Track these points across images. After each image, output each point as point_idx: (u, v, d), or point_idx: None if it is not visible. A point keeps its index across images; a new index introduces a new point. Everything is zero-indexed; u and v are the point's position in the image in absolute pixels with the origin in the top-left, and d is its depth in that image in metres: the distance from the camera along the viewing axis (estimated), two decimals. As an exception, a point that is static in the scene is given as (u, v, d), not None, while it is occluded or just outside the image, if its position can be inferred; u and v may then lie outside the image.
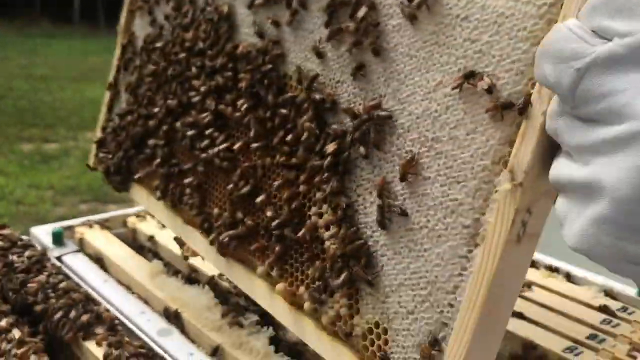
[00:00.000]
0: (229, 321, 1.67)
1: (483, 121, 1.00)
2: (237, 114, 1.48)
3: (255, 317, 1.71)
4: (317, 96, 1.26)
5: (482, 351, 1.00)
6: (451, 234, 1.03)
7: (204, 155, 1.56)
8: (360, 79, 1.21)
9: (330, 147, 1.22)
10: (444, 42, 1.07)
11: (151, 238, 2.25)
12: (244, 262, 1.48)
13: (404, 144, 1.12)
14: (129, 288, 1.94)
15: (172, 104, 1.68)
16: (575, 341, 1.66)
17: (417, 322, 1.07)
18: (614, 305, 1.86)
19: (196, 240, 1.63)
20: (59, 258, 2.04)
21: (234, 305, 1.82)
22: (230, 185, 1.48)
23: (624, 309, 1.85)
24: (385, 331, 1.12)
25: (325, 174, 1.24)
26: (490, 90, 0.97)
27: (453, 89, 1.03)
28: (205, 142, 1.56)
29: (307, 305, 1.27)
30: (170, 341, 1.63)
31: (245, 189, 1.43)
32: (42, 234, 2.17)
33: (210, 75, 1.56)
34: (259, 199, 1.40)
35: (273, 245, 1.35)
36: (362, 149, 1.17)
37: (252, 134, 1.42)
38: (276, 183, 1.36)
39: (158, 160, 1.73)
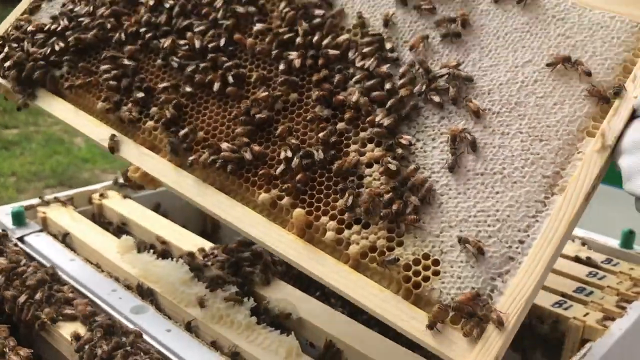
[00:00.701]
0: (206, 294, 1.54)
1: (572, 96, 1.18)
2: (261, 46, 1.42)
3: (234, 289, 1.58)
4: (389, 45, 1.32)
5: (542, 283, 1.08)
6: (529, 182, 1.14)
7: (197, 76, 1.43)
8: (438, 45, 1.31)
9: (404, 91, 1.26)
10: (536, 32, 1.26)
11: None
12: (226, 191, 1.33)
13: (483, 102, 1.23)
14: (98, 267, 1.73)
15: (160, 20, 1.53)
16: (563, 295, 1.66)
17: (481, 255, 1.11)
18: (597, 257, 1.88)
19: (159, 165, 1.41)
20: (20, 239, 1.82)
21: (211, 278, 1.63)
22: (235, 111, 1.37)
23: (608, 261, 1.86)
24: (437, 262, 1.13)
25: (382, 115, 1.26)
26: (589, 73, 1.17)
27: (548, 65, 1.21)
28: (204, 64, 1.44)
29: (330, 235, 1.20)
30: (145, 319, 1.48)
31: (259, 117, 1.34)
32: (1, 214, 1.92)
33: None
34: (279, 129, 1.32)
35: (292, 174, 1.27)
36: (436, 98, 1.25)
37: (282, 67, 1.38)
38: (303, 117, 1.32)
39: (113, 73, 1.50)
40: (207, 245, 1.86)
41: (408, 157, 1.23)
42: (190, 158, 1.35)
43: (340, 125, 1.30)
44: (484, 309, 1.05)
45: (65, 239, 1.87)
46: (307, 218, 1.23)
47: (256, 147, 1.32)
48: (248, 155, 1.30)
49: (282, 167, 1.28)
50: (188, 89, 1.44)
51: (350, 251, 1.18)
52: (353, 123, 1.29)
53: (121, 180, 2.13)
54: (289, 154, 1.28)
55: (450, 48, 1.31)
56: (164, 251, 1.87)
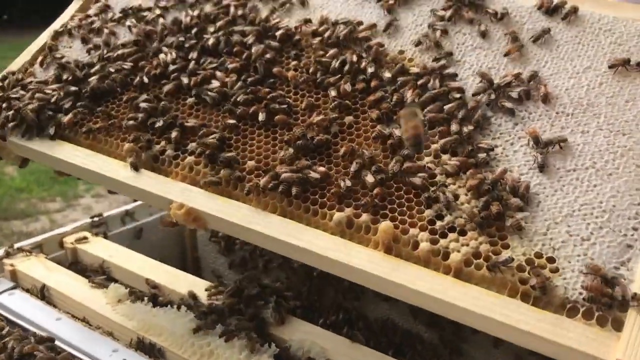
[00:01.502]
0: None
1: (642, 94, 1.20)
2: (305, 76, 1.38)
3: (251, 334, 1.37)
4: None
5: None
6: (624, 172, 1.12)
7: (239, 108, 1.35)
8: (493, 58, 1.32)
9: (472, 103, 1.24)
10: (588, 42, 1.30)
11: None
12: (289, 217, 1.20)
13: (554, 107, 1.22)
14: (86, 322, 1.49)
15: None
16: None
17: (597, 246, 1.04)
18: None
19: (206, 200, 1.26)
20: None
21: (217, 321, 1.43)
22: (287, 137, 1.28)
23: None
24: (552, 260, 1.04)
25: (457, 126, 1.22)
26: (651, 70, 1.21)
27: (610, 67, 1.23)
28: (246, 96, 1.36)
29: (425, 246, 1.09)
30: None
31: (317, 139, 1.26)
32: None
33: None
34: (342, 150, 1.24)
35: (366, 190, 1.17)
36: (509, 104, 1.23)
37: (333, 93, 1.33)
38: (365, 137, 1.26)
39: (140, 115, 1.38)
40: (203, 284, 1.64)
41: (490, 162, 1.18)
42: (247, 185, 1.22)
43: (409, 141, 1.23)
44: (620, 295, 0.97)
45: (43, 293, 1.59)
46: (395, 232, 1.12)
47: (321, 168, 1.22)
48: (315, 175, 1.19)
49: (349, 184, 1.18)
50: (230, 121, 1.33)
51: (451, 260, 1.07)
52: (421, 138, 1.24)
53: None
54: (357, 168, 1.19)
55: (504, 62, 1.31)
56: (159, 297, 1.61)
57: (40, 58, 1.63)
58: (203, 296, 1.57)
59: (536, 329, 0.98)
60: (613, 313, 0.97)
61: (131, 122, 1.38)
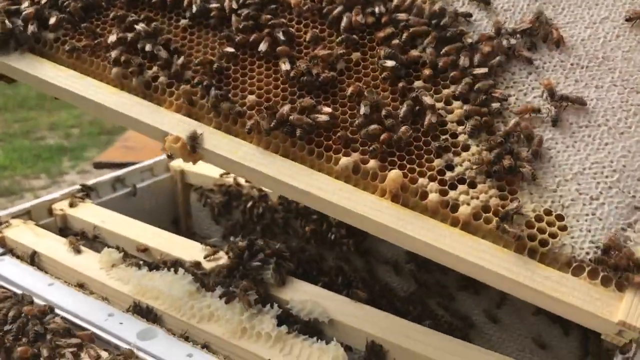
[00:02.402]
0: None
1: (658, 50, 1.17)
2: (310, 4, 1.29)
3: (253, 296, 1.34)
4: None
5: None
6: (637, 132, 1.11)
7: (238, 36, 1.26)
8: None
9: (486, 48, 1.18)
10: (608, -8, 1.25)
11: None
12: (292, 159, 1.16)
13: (569, 57, 1.19)
14: (82, 288, 1.43)
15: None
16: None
17: (605, 207, 1.04)
18: None
19: (205, 134, 1.19)
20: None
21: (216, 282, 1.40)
22: (293, 72, 1.21)
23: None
24: (561, 217, 1.04)
25: (470, 71, 1.17)
26: (670, 26, 1.18)
27: (627, 20, 1.20)
28: (245, 22, 1.27)
29: (434, 196, 1.07)
30: (158, 345, 1.23)
31: (323, 76, 1.19)
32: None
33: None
34: (349, 90, 1.18)
35: (373, 135, 1.13)
36: (527, 53, 1.18)
37: (343, 24, 1.25)
38: (373, 77, 1.20)
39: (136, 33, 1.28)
40: (197, 247, 1.63)
41: (503, 112, 1.15)
42: (249, 123, 1.16)
43: (418, 84, 1.19)
44: (624, 258, 0.98)
45: (33, 259, 1.54)
46: (403, 180, 1.09)
47: (326, 108, 1.17)
48: (323, 117, 1.14)
49: (359, 124, 1.14)
50: (229, 50, 1.25)
51: (460, 213, 1.06)
52: (432, 81, 1.19)
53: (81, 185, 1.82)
54: (367, 110, 1.14)
55: (520, 7, 1.26)
56: (153, 262, 1.59)
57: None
58: (200, 259, 1.55)
59: (541, 286, 0.99)
60: (618, 274, 0.98)
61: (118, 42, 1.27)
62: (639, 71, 1.16)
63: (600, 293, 0.98)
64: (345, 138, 1.14)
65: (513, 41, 1.20)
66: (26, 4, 1.34)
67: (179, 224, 2.13)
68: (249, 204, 1.96)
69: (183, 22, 1.31)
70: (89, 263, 1.50)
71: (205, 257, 1.55)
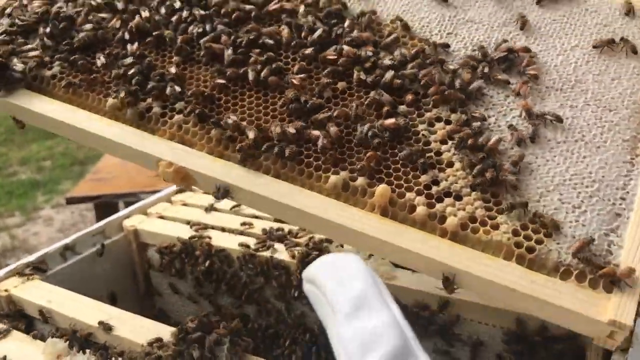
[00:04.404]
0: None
1: (626, 73, 1.26)
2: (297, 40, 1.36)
3: None
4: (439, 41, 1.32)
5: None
6: (612, 145, 1.16)
7: (229, 70, 1.32)
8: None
9: (465, 75, 1.25)
10: (575, 22, 1.35)
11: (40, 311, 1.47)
12: (283, 179, 1.19)
13: (543, 81, 1.26)
14: None
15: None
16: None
17: (588, 214, 1.08)
18: None
19: (198, 158, 1.22)
20: None
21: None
22: (281, 101, 1.27)
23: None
24: (546, 225, 1.07)
25: (448, 96, 1.23)
26: (635, 51, 1.26)
27: (594, 47, 1.28)
28: (235, 56, 1.34)
29: (421, 209, 1.11)
30: None
31: (312, 102, 1.25)
32: None
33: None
34: (336, 113, 1.23)
35: (361, 154, 1.17)
36: (502, 77, 1.25)
37: (331, 56, 1.32)
38: (358, 103, 1.25)
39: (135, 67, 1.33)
40: (149, 325, 1.41)
41: (484, 131, 1.20)
42: (240, 145, 1.20)
43: (402, 109, 1.24)
44: (605, 261, 1.01)
45: None
46: (392, 195, 1.12)
47: (315, 132, 1.21)
48: (323, 142, 1.18)
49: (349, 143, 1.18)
50: (220, 81, 1.31)
51: (447, 224, 1.09)
52: (415, 105, 1.25)
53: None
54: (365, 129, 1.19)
55: (494, 37, 1.34)
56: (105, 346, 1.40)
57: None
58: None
59: (530, 290, 1.01)
60: (604, 276, 1.00)
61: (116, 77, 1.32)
62: (609, 92, 1.23)
63: (589, 295, 1.00)
64: (335, 157, 1.18)
65: (487, 70, 1.27)
66: (28, 47, 1.40)
67: (138, 285, 1.97)
68: (207, 263, 1.76)
69: (176, 58, 1.37)
70: (33, 356, 1.34)
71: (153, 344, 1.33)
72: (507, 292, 1.02)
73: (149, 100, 1.30)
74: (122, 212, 1.97)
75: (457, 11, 1.39)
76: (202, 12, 1.41)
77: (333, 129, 1.19)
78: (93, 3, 1.45)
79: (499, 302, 1.04)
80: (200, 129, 1.25)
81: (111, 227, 1.91)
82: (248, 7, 1.41)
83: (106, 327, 1.35)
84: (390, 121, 1.19)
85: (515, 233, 1.07)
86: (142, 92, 1.31)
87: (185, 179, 1.22)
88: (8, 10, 1.51)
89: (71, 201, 4.02)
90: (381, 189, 1.12)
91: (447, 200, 1.12)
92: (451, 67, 1.28)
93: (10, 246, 4.92)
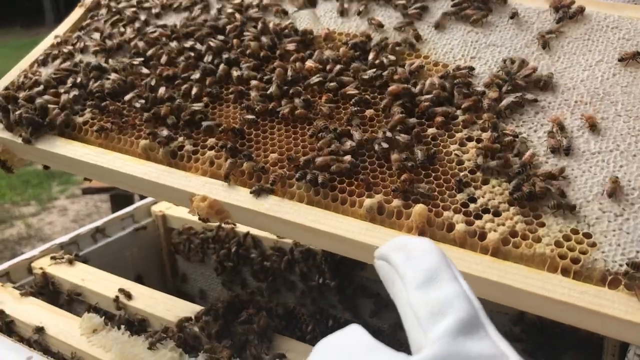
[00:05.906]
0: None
1: (655, 83, 1.25)
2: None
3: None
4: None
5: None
6: (647, 153, 1.14)
7: (258, 105, 1.34)
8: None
9: (492, 94, 1.26)
10: (597, 38, 1.35)
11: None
12: (318, 206, 1.19)
13: (571, 96, 1.26)
14: (58, 357, 1.39)
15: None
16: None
17: (631, 221, 1.06)
18: None
19: (230, 192, 1.23)
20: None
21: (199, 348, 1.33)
22: (310, 131, 1.28)
23: None
24: (589, 235, 1.05)
25: (482, 115, 1.24)
26: (661, 61, 1.26)
27: (620, 60, 1.28)
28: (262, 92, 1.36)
29: (461, 227, 1.09)
30: None
31: (341, 129, 1.26)
32: None
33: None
34: (356, 137, 1.24)
35: (394, 176, 1.17)
36: (529, 96, 1.25)
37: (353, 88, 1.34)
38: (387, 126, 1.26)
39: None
40: (181, 306, 1.55)
41: (514, 147, 1.19)
42: (273, 175, 1.21)
43: (432, 131, 1.25)
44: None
45: (10, 329, 1.49)
46: (429, 215, 1.11)
47: (347, 157, 1.22)
48: (345, 165, 1.18)
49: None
50: (249, 117, 1.32)
51: (488, 240, 1.07)
52: (444, 127, 1.25)
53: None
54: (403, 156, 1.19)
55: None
56: (138, 324, 1.54)
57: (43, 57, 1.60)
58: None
59: (580, 301, 0.98)
60: (655, 282, 0.97)
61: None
62: (639, 102, 1.22)
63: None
64: (367, 181, 1.18)
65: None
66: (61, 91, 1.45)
67: (164, 269, 2.05)
68: (233, 248, 1.86)
69: (205, 99, 1.40)
70: (70, 329, 1.44)
71: (187, 321, 1.48)
72: (557, 306, 0.99)
73: (181, 138, 1.32)
74: (151, 198, 2.03)
75: (479, 36, 1.41)
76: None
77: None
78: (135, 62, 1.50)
79: (550, 315, 1.01)
80: (232, 163, 1.26)
81: (140, 212, 2.00)
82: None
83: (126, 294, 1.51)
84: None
85: (558, 244, 1.05)
86: (175, 132, 1.34)
87: (219, 212, 1.22)
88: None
89: (87, 191, 4.07)
90: (419, 208, 1.11)
91: (486, 217, 1.10)
92: (478, 88, 1.29)
93: (25, 234, 4.99)
